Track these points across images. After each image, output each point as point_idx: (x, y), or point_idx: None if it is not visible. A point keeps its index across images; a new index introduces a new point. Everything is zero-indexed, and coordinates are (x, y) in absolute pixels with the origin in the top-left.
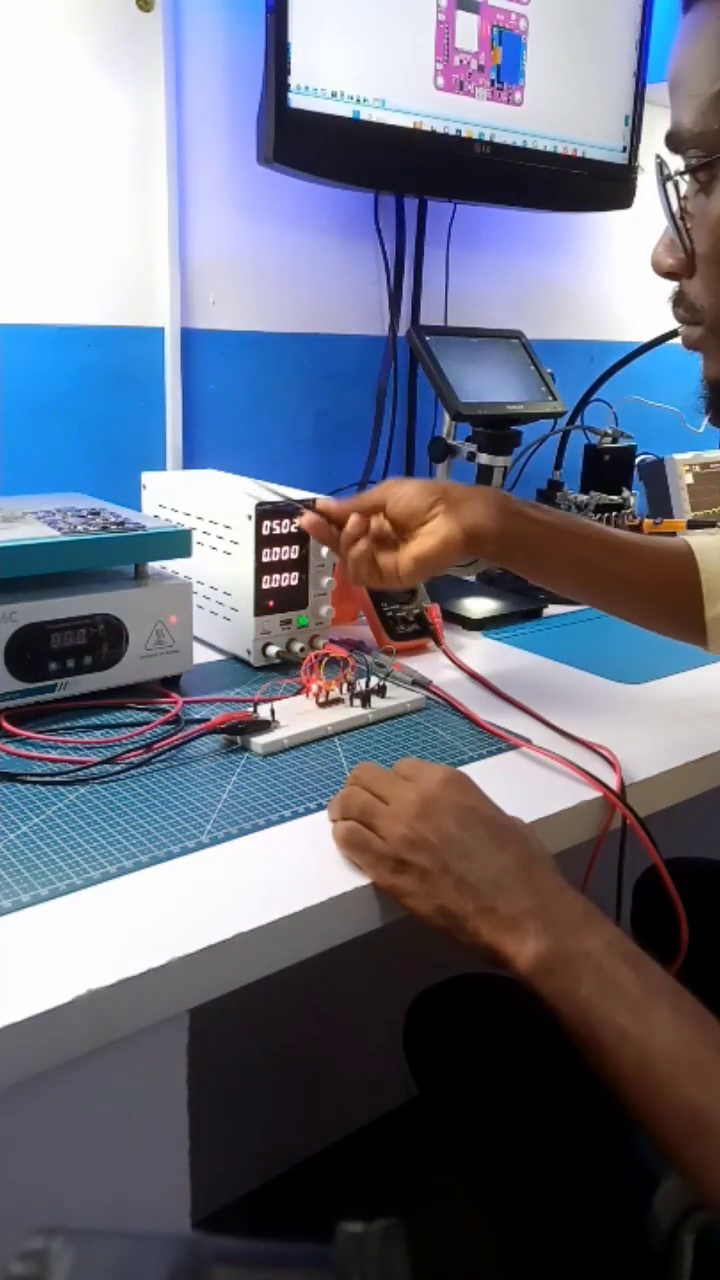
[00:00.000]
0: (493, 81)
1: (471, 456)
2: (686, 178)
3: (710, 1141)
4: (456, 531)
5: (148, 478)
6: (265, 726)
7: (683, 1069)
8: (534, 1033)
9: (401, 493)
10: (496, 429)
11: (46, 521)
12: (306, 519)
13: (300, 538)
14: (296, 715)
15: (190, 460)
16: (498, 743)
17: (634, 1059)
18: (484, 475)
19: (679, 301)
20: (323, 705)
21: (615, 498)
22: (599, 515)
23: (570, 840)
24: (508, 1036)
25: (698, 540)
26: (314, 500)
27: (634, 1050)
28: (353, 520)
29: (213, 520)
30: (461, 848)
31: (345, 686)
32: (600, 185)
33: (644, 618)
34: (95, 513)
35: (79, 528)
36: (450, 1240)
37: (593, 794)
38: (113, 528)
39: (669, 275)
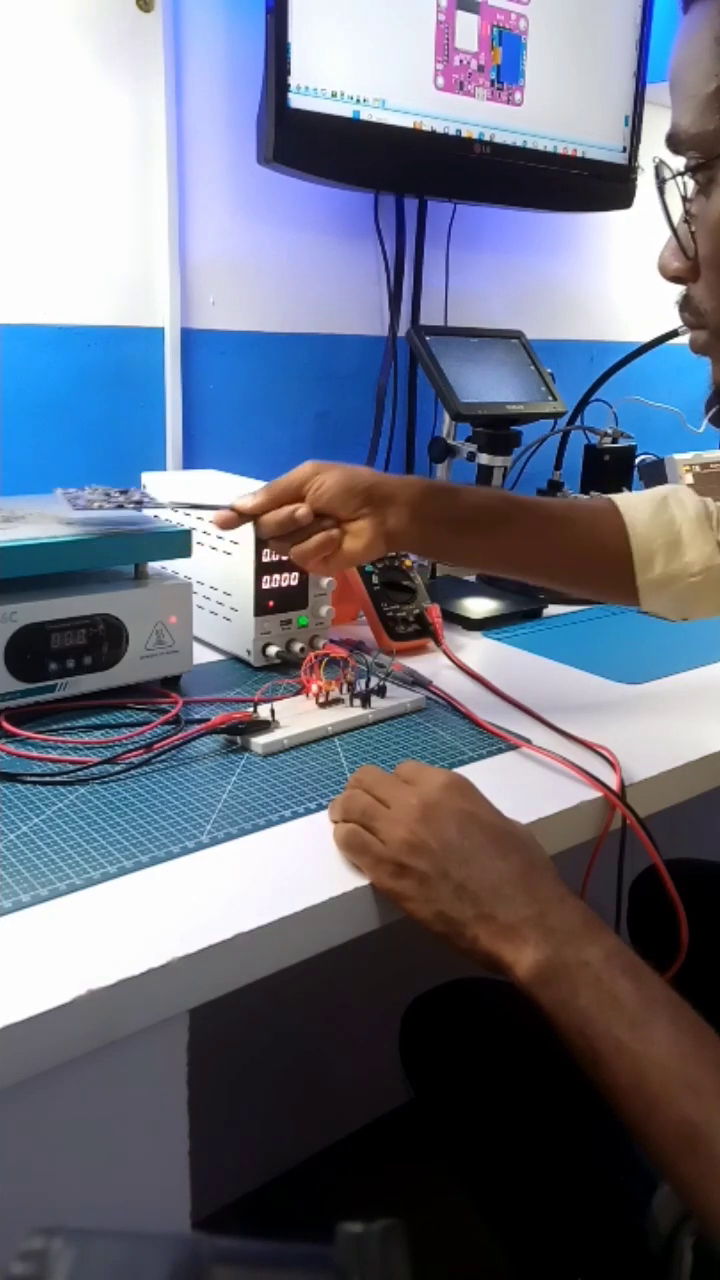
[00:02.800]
0: (493, 81)
1: (471, 456)
2: (690, 179)
3: (705, 1158)
4: (380, 536)
5: (148, 478)
6: (265, 726)
7: (679, 1085)
8: (530, 1037)
9: (325, 487)
10: (496, 429)
11: (69, 499)
12: (218, 516)
13: None
14: (296, 715)
15: (190, 460)
16: (498, 743)
17: (630, 1072)
18: (484, 475)
19: (685, 305)
20: (323, 705)
21: None
22: None
23: (570, 841)
24: (504, 1041)
25: (626, 501)
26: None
27: (630, 1064)
28: (269, 518)
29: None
30: (461, 854)
31: (345, 686)
32: (600, 185)
33: (573, 589)
34: (124, 491)
35: (96, 504)
36: (450, 1240)
37: (593, 794)
38: (129, 506)
39: (675, 279)
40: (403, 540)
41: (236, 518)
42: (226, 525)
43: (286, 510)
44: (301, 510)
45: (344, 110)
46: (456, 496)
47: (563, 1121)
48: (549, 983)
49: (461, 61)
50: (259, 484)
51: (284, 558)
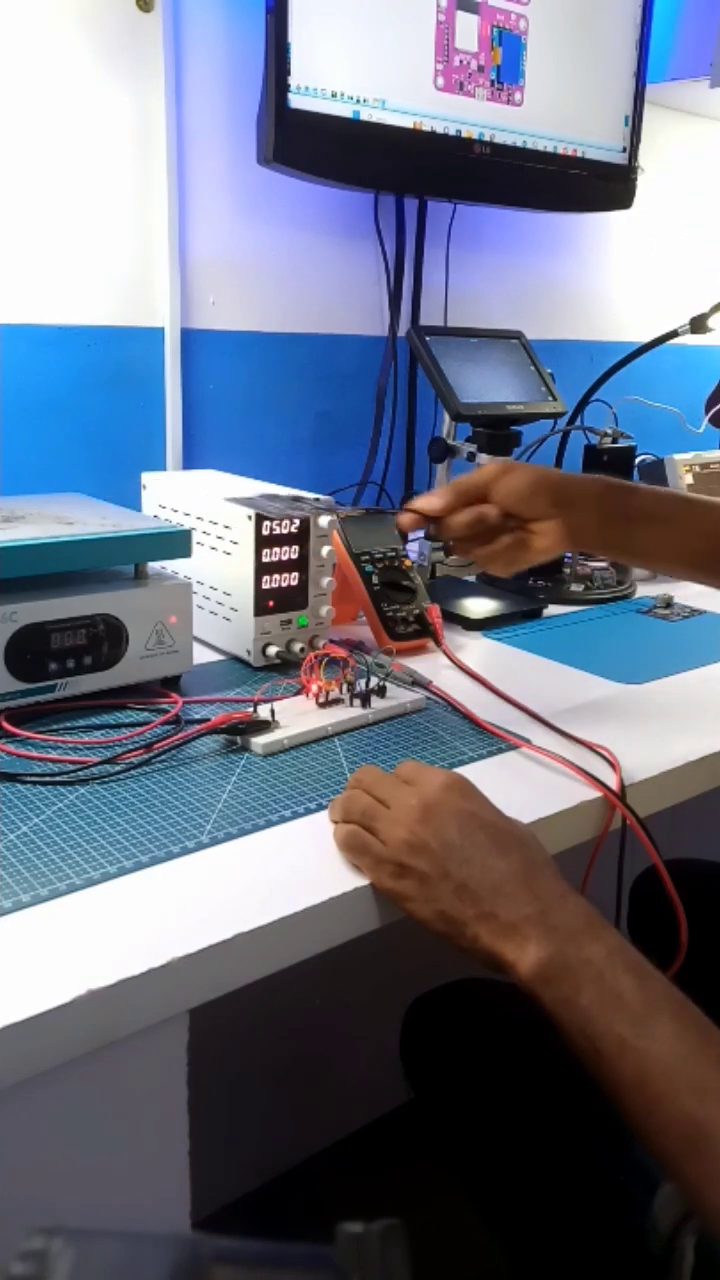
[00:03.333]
0: (493, 81)
1: (471, 456)
2: None
3: (709, 1156)
4: (566, 535)
5: (148, 478)
6: (265, 726)
7: (682, 1082)
8: (531, 1038)
9: (512, 487)
10: (496, 429)
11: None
12: (400, 519)
13: (300, 538)
14: (296, 715)
15: (190, 460)
16: (498, 743)
17: (633, 1071)
18: None
19: None
20: (323, 705)
21: None
22: None
23: (570, 841)
24: (504, 1041)
25: None
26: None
27: (634, 1062)
28: (457, 519)
29: (213, 520)
30: (462, 853)
31: (345, 686)
32: (600, 185)
33: None
34: (297, 498)
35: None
36: (450, 1241)
37: (593, 794)
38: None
39: None
40: (584, 538)
41: (420, 519)
42: (410, 527)
43: (475, 510)
44: (492, 510)
45: (344, 110)
46: (635, 494)
47: (563, 1121)
48: (551, 981)
49: (461, 61)
50: (259, 483)
51: (292, 558)
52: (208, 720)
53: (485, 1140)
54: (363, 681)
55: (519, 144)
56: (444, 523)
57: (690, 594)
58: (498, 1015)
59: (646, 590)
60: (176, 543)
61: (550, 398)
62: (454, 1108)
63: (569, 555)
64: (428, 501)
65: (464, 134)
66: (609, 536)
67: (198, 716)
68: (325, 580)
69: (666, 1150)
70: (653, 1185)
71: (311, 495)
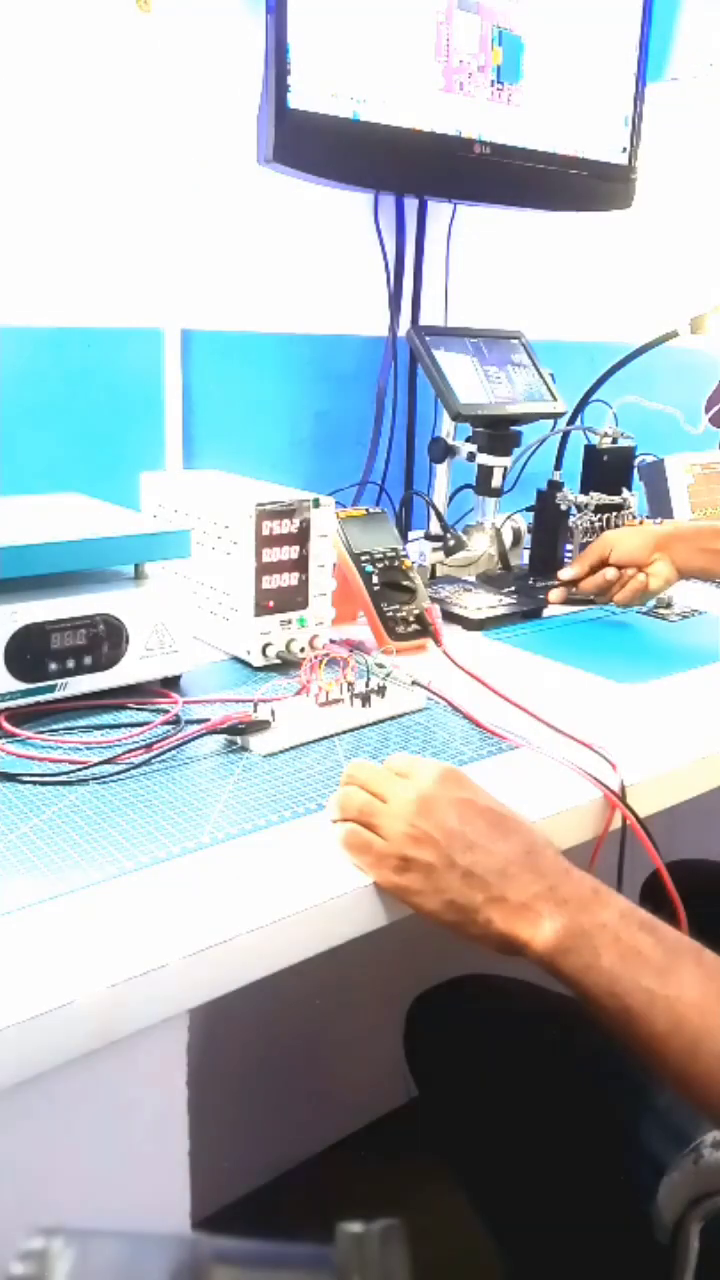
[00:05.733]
0: (493, 82)
1: (471, 457)
2: None
3: None
4: (673, 574)
5: (147, 478)
6: (265, 727)
7: (718, 1019)
8: (533, 1032)
9: (624, 547)
10: (496, 429)
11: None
12: (552, 594)
13: (300, 538)
14: (296, 715)
15: (190, 460)
16: (498, 743)
17: (667, 1018)
18: (484, 475)
19: None
20: (322, 705)
21: (615, 498)
22: (599, 516)
23: (570, 840)
24: (507, 1036)
25: None
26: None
27: (665, 1010)
28: (588, 582)
29: (213, 520)
30: (464, 841)
31: (345, 687)
32: (600, 185)
33: None
34: (297, 499)
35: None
36: (450, 1240)
37: (593, 794)
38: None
39: None
40: (689, 569)
41: (564, 591)
42: (560, 600)
43: (600, 574)
44: (611, 572)
45: (344, 110)
46: (716, 533)
47: (567, 1112)
48: (570, 950)
49: (461, 62)
50: (259, 484)
51: (292, 558)
52: (208, 720)
53: (489, 1131)
54: (363, 681)
55: (519, 144)
56: (580, 585)
57: (690, 594)
58: (501, 1010)
59: None
60: (176, 543)
61: (550, 397)
62: (457, 1101)
63: (567, 555)
64: (566, 573)
65: (464, 134)
66: (706, 563)
67: (198, 717)
68: (325, 580)
69: (712, 1088)
70: (658, 1172)
71: (311, 495)
